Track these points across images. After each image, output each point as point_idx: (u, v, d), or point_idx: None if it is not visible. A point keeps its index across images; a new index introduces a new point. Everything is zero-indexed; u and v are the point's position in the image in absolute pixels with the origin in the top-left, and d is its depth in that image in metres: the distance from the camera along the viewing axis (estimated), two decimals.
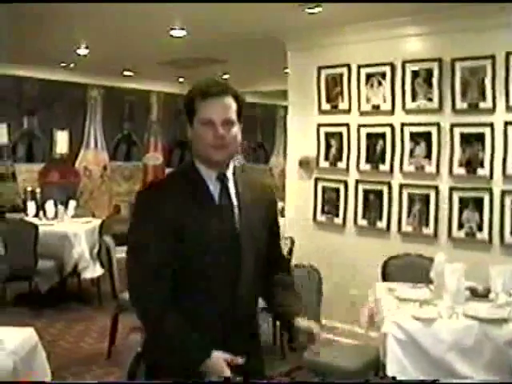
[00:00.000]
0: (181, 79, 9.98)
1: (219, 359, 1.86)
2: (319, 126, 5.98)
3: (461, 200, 5.01)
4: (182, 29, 5.96)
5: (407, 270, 4.48)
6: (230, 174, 2.10)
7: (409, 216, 5.34)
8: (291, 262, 4.58)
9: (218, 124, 1.99)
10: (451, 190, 5.06)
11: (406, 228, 5.35)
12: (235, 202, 2.07)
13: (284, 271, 2.32)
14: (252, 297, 2.10)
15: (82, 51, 7.25)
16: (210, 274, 1.97)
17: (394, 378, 3.21)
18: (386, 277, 4.57)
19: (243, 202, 2.08)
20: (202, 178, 2.05)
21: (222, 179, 2.06)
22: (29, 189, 8.53)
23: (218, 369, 1.84)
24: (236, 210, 2.05)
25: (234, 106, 2.03)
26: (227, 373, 1.83)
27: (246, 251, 2.02)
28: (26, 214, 7.31)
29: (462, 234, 5.01)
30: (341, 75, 5.78)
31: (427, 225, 5.20)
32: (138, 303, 1.98)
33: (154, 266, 1.94)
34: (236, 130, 2.04)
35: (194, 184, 2.05)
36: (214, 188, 2.05)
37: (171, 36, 6.17)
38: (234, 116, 2.03)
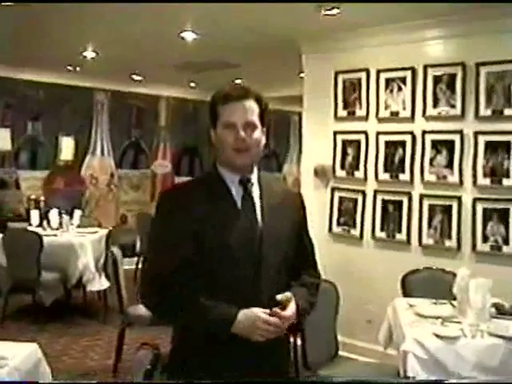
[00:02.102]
0: (192, 84, 10.02)
1: (251, 310, 1.97)
2: (335, 133, 5.97)
3: (485, 211, 4.97)
4: (194, 31, 5.98)
5: (428, 285, 4.47)
6: (254, 178, 2.17)
7: (430, 228, 5.30)
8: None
9: (240, 127, 2.07)
10: (475, 200, 5.03)
11: (427, 241, 5.32)
12: (258, 207, 2.13)
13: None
14: (273, 303, 2.12)
15: (89, 54, 7.30)
16: (230, 278, 2.03)
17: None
18: (405, 292, 4.55)
19: (267, 207, 2.14)
20: (224, 182, 2.13)
21: (246, 183, 2.13)
22: (32, 197, 8.59)
23: (252, 317, 1.95)
24: (259, 215, 2.11)
25: (256, 109, 2.11)
26: (263, 316, 1.95)
27: (267, 257, 2.08)
28: (30, 224, 7.34)
29: (486, 247, 4.96)
30: (359, 80, 5.77)
31: (449, 237, 5.16)
32: (158, 296, 2.05)
33: (175, 265, 2.01)
34: (258, 133, 2.12)
35: (217, 188, 2.12)
36: (237, 192, 2.13)
37: (182, 39, 6.19)
38: (256, 119, 2.11)
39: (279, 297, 2.03)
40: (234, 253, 2.03)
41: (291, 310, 2.04)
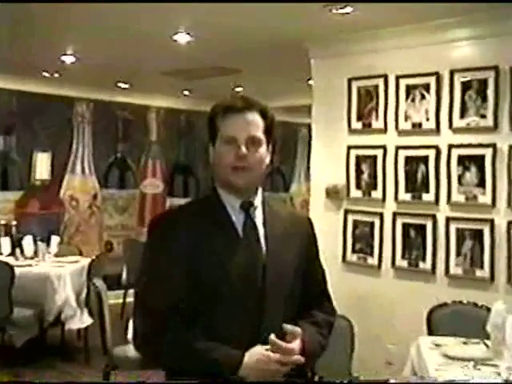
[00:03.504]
0: (185, 92, 10.06)
1: (257, 349, 1.98)
2: (349, 148, 5.97)
3: None
4: (188, 33, 6.00)
5: (458, 322, 4.44)
6: (258, 201, 2.18)
7: (458, 256, 5.28)
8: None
9: (241, 142, 2.07)
10: (510, 224, 5.02)
11: (456, 270, 5.29)
12: (262, 235, 2.13)
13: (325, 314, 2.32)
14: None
15: (68, 58, 7.29)
16: (230, 317, 2.03)
17: None
18: (431, 329, 4.53)
19: (272, 235, 2.14)
20: (223, 207, 2.13)
21: (248, 208, 2.14)
22: (2, 222, 8.56)
23: (260, 358, 1.95)
24: (263, 245, 2.11)
25: (260, 123, 2.12)
26: (274, 356, 1.94)
27: (272, 293, 2.07)
28: (0, 253, 7.32)
29: None
30: (376, 88, 5.79)
31: (481, 266, 5.14)
32: (151, 338, 2.04)
33: (168, 305, 2.01)
34: (263, 150, 2.12)
35: (215, 213, 2.13)
36: (238, 218, 2.13)
37: (174, 41, 6.22)
38: (260, 134, 2.11)
39: (287, 326, 2.02)
40: (234, 289, 2.03)
41: (296, 344, 2.02)
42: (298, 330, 2.04)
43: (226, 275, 2.02)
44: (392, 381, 3.34)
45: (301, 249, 2.21)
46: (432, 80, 5.43)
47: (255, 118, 2.10)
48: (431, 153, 5.43)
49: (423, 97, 5.49)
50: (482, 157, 5.14)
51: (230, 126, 2.08)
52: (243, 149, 2.06)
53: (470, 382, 3.23)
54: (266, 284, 2.07)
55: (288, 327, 2.02)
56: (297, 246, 2.19)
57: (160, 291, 2.03)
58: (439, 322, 4.54)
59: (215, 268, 2.02)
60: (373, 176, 5.83)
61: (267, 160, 2.15)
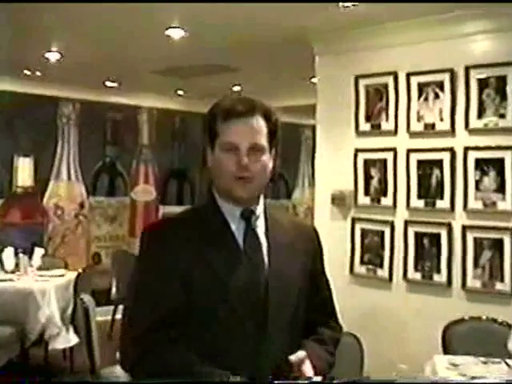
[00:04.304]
0: (179, 92, 10.08)
1: None
2: (357, 151, 5.98)
3: None
4: (182, 28, 6.00)
5: (476, 339, 4.43)
6: (259, 210, 2.17)
7: (476, 267, 5.28)
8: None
9: (243, 150, 2.05)
10: None
11: (473, 283, 5.29)
12: (265, 247, 2.12)
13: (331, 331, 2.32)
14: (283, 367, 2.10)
15: (53, 55, 7.30)
16: (229, 337, 2.01)
17: None
18: (447, 347, 4.52)
19: (275, 247, 2.13)
20: (222, 216, 2.12)
21: (249, 217, 2.12)
22: None
23: None
24: (265, 256, 2.10)
25: (264, 127, 2.09)
26: None
27: (275, 310, 2.05)
28: None
29: None
30: (385, 86, 5.79)
31: (501, 279, 5.13)
32: (141, 358, 2.01)
33: (161, 325, 1.99)
34: (266, 157, 2.10)
35: (212, 222, 2.12)
36: (238, 229, 2.12)
37: (167, 37, 6.22)
38: (263, 141, 2.09)
39: (292, 358, 1.99)
40: (234, 306, 2.01)
41: (308, 368, 2.01)
42: (303, 354, 2.02)
43: (224, 293, 2.00)
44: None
45: (306, 263, 2.20)
46: (446, 77, 5.42)
47: (258, 123, 2.08)
48: (446, 156, 5.42)
49: (437, 95, 5.48)
50: (501, 160, 5.14)
51: (231, 132, 2.06)
52: (245, 159, 2.04)
53: (471, 381, 3.30)
54: (269, 303, 2.05)
55: (292, 358, 2.00)
56: (302, 261, 2.19)
57: (152, 309, 2.01)
58: (456, 339, 4.52)
59: (213, 285, 2.00)
60: (382, 181, 5.84)
61: (271, 165, 2.13)
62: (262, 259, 2.09)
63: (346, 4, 5.07)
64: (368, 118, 5.92)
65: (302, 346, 2.12)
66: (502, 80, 5.14)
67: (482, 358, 3.99)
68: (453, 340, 4.53)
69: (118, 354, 3.50)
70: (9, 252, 7.27)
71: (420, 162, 5.59)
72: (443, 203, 5.45)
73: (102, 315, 7.16)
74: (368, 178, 5.93)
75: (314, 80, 6.50)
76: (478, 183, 5.27)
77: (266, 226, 2.16)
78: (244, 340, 2.01)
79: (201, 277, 2.00)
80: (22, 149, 9.38)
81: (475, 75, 5.27)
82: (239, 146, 2.04)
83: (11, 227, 9.14)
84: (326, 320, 2.33)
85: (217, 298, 2.00)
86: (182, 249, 2.04)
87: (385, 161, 5.81)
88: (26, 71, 8.47)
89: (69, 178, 9.97)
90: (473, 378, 3.39)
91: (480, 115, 5.26)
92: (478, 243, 5.26)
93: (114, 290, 8.87)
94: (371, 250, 5.92)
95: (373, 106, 5.89)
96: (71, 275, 7.24)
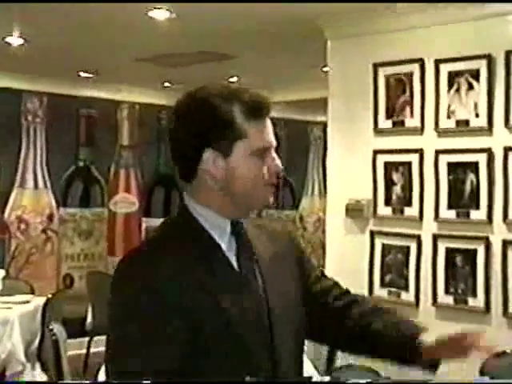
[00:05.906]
0: (166, 84, 10.08)
1: None
2: (376, 152, 5.98)
3: None
4: (168, 9, 5.98)
5: None
6: (245, 222, 2.21)
7: None
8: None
9: (274, 154, 2.12)
10: None
11: None
12: (255, 263, 2.15)
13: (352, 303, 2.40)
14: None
15: (15, 40, 7.29)
16: (243, 370, 1.99)
17: None
18: None
19: (263, 260, 2.17)
20: (208, 235, 2.09)
21: (239, 232, 2.14)
22: None
23: None
24: (258, 275, 2.13)
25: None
26: None
27: (280, 334, 2.09)
28: None
29: None
30: (409, 76, 5.79)
31: None
32: None
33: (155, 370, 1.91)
34: None
35: (200, 245, 2.08)
36: (229, 246, 2.11)
37: (150, 19, 6.20)
38: None
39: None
40: (244, 341, 2.01)
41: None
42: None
43: (230, 323, 1.99)
44: None
45: (295, 268, 2.28)
46: (482, 65, 5.41)
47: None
48: (482, 158, 5.41)
49: (471, 86, 5.47)
50: None
51: (263, 132, 2.08)
52: (278, 161, 2.11)
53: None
54: (274, 326, 2.08)
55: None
56: (291, 268, 2.26)
57: (142, 360, 1.91)
58: (497, 374, 4.49)
59: (215, 316, 1.97)
60: (406, 188, 5.83)
61: None
62: (257, 278, 2.12)
63: None
64: (389, 114, 5.92)
65: (384, 325, 2.32)
66: None
67: None
68: (494, 374, 4.50)
69: None
70: None
71: (451, 166, 5.58)
72: (479, 214, 5.43)
73: (74, 348, 7.14)
74: (389, 184, 5.93)
75: (325, 69, 6.50)
76: None
77: (249, 239, 2.19)
78: (250, 363, 2.02)
79: (193, 309, 1.96)
80: None
81: None
82: (271, 149, 2.10)
83: None
84: (342, 290, 2.42)
85: (224, 333, 1.98)
86: (173, 284, 1.97)
87: (409, 164, 5.81)
88: None
89: (35, 185, 9.96)
90: None
91: None
92: None
93: (89, 318, 8.83)
94: (394, 269, 5.93)
95: (395, 99, 5.88)
96: (38, 301, 7.20)
